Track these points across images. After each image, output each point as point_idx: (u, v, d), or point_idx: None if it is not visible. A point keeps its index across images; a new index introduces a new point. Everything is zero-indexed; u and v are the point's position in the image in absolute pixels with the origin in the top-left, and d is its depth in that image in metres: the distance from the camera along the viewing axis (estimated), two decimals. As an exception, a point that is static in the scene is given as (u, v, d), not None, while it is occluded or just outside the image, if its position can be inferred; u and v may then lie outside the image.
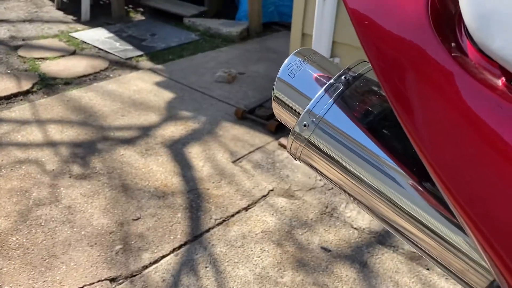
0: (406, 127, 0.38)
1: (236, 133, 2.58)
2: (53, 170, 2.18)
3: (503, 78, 0.35)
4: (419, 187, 0.46)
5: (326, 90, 0.51)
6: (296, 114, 0.54)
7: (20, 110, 2.70)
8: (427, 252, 0.47)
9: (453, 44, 0.38)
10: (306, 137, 0.52)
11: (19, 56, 3.47)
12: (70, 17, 4.47)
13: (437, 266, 0.47)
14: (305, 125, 0.51)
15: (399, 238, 0.49)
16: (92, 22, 4.35)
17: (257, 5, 4.14)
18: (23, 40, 3.81)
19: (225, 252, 1.77)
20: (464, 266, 0.43)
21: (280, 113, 0.57)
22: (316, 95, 0.51)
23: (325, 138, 0.50)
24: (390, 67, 0.39)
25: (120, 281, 1.63)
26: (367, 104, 0.51)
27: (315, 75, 0.54)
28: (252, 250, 1.79)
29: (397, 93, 0.38)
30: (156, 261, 1.72)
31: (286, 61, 0.56)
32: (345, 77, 0.51)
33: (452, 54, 0.36)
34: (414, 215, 0.45)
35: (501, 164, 0.32)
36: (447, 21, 0.39)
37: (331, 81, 0.52)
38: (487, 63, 0.36)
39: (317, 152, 0.52)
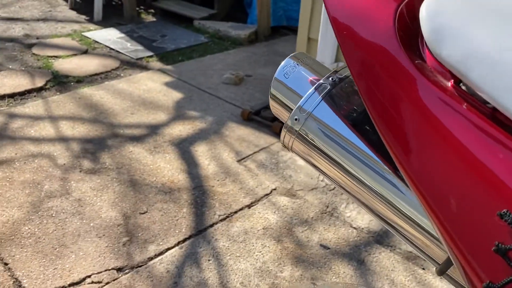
0: (373, 118, 0.45)
1: (241, 134, 2.65)
2: (64, 164, 2.26)
3: (452, 81, 0.43)
4: (392, 174, 0.53)
5: (315, 89, 0.58)
6: (289, 109, 0.62)
7: (33, 106, 2.79)
8: (395, 227, 0.54)
9: (416, 52, 0.45)
10: (297, 129, 0.59)
11: (33, 54, 3.57)
12: (83, 17, 4.57)
13: (403, 240, 0.54)
14: (296, 119, 0.58)
15: (373, 217, 0.56)
16: (104, 22, 4.45)
17: (266, 10, 4.22)
18: (37, 38, 3.92)
19: (228, 246, 1.84)
20: (428, 242, 0.50)
21: (276, 109, 0.65)
22: (307, 93, 0.58)
23: (313, 130, 0.57)
24: (362, 69, 0.46)
25: (126, 271, 1.71)
26: (351, 102, 0.58)
27: (307, 76, 0.62)
28: (253, 245, 1.86)
29: (367, 90, 0.45)
30: (161, 253, 1.79)
31: (282, 63, 0.63)
32: (332, 79, 0.58)
33: (414, 60, 0.43)
34: (386, 196, 0.52)
35: (447, 148, 0.39)
36: (414, 32, 0.46)
37: (320, 81, 0.59)
38: (440, 68, 0.43)
39: (306, 143, 0.59)
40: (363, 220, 2.04)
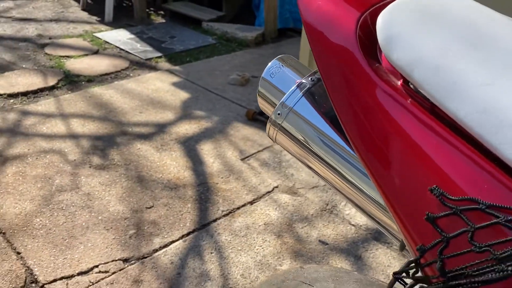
0: (337, 114, 0.53)
1: (246, 133, 2.73)
2: (74, 160, 2.35)
3: (401, 80, 0.50)
4: (360, 161, 0.60)
5: (296, 87, 0.66)
6: (274, 105, 0.69)
7: (45, 104, 2.89)
8: (365, 210, 0.61)
9: (374, 56, 0.53)
10: (279, 123, 0.66)
11: (46, 53, 3.68)
12: (94, 18, 4.68)
13: (365, 216, 0.61)
14: (279, 114, 0.66)
15: (342, 198, 0.63)
16: (115, 23, 4.55)
17: (273, 12, 4.29)
18: (50, 38, 4.03)
19: (230, 240, 1.92)
20: (388, 220, 0.57)
21: (263, 105, 0.72)
22: (289, 91, 0.66)
23: (293, 124, 0.65)
24: (327, 71, 0.54)
25: (132, 261, 1.79)
26: (328, 99, 0.65)
27: (290, 75, 0.69)
28: (254, 240, 1.93)
29: (332, 89, 0.53)
30: (165, 246, 1.87)
31: (269, 64, 0.71)
32: (311, 78, 0.66)
33: (371, 62, 0.51)
34: (354, 182, 0.60)
35: (394, 135, 0.47)
36: (374, 38, 0.54)
37: (302, 80, 0.66)
38: (392, 69, 0.51)
39: (287, 135, 0.66)
40: (362, 217, 2.11)
